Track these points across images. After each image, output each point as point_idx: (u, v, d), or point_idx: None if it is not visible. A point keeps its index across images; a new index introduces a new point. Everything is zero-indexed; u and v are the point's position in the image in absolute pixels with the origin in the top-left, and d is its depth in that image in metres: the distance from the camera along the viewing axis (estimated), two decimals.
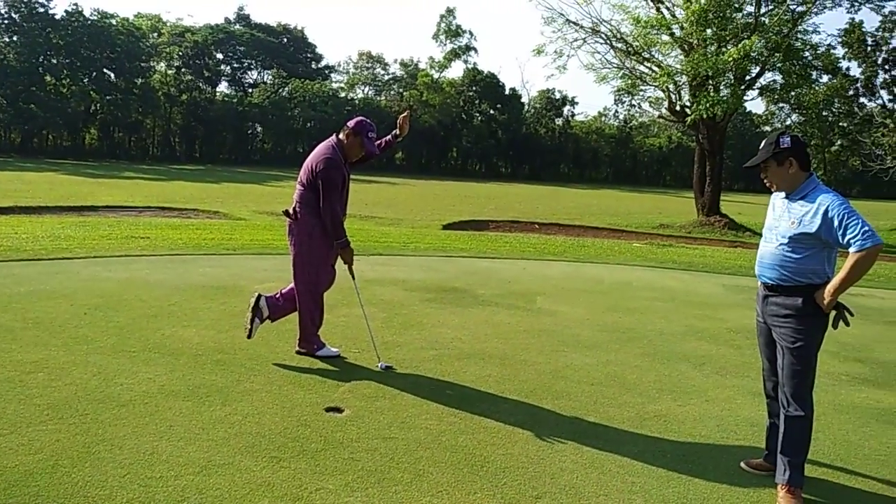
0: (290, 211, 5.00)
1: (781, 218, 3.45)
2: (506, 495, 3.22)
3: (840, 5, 22.41)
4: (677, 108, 23.15)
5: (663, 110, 25.63)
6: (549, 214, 24.11)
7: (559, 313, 7.14)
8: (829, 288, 3.28)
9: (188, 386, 4.30)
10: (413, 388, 4.56)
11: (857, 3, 22.60)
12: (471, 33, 64.68)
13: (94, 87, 51.30)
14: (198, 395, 4.16)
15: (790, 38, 21.57)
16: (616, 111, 69.41)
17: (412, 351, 5.40)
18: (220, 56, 61.18)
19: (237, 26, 63.51)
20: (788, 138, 3.39)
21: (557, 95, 67.26)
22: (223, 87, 63.18)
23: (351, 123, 5.03)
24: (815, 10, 21.78)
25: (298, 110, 56.58)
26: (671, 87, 22.65)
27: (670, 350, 5.97)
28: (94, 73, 51.50)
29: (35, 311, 5.76)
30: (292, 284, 5.11)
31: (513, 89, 66.34)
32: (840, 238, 3.21)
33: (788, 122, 55.18)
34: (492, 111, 65.04)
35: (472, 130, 63.35)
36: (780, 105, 50.21)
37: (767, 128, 61.71)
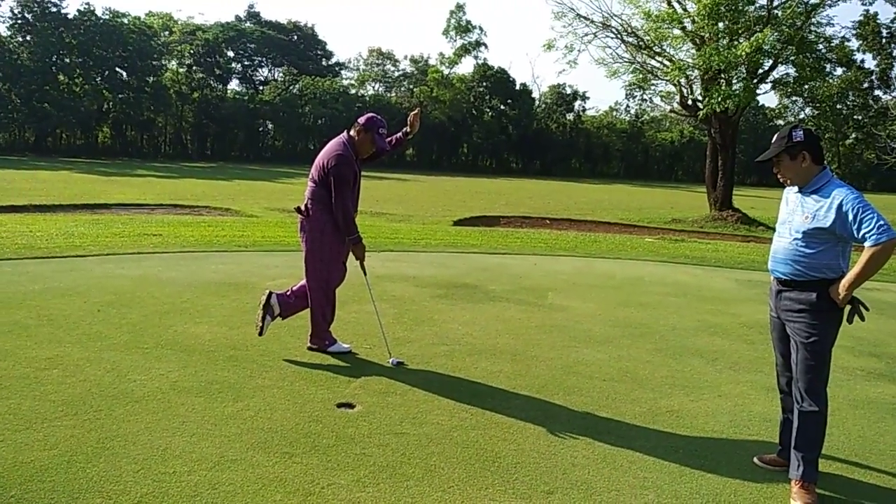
0: (302, 208, 5.01)
1: (795, 212, 3.42)
2: (518, 490, 3.22)
3: None
4: (689, 102, 22.99)
5: (675, 105, 25.48)
6: (560, 210, 24.04)
7: (571, 309, 7.12)
8: (844, 282, 3.25)
9: (201, 382, 4.32)
10: (424, 383, 4.57)
11: None
12: (481, 29, 64.41)
13: (106, 86, 51.61)
14: (210, 391, 4.19)
15: (803, 31, 21.36)
16: (627, 106, 69.07)
17: (423, 347, 5.41)
18: (230, 54, 61.35)
19: (248, 24, 63.66)
20: (801, 132, 3.36)
21: (568, 90, 67.02)
22: (234, 85, 63.45)
23: (362, 120, 5.04)
24: (829, 2, 21.51)
25: (309, 107, 56.68)
26: (683, 81, 22.48)
27: (682, 345, 5.94)
28: (107, 72, 51.79)
29: (49, 308, 5.81)
30: (303, 282, 5.13)
31: (523, 84, 66.17)
32: (855, 232, 3.18)
33: (802, 116, 54.61)
34: (502, 107, 64.87)
35: (482, 126, 63.21)
36: (794, 98, 49.62)
37: (780, 121, 61.14)
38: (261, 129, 60.91)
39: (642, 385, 4.83)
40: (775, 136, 3.46)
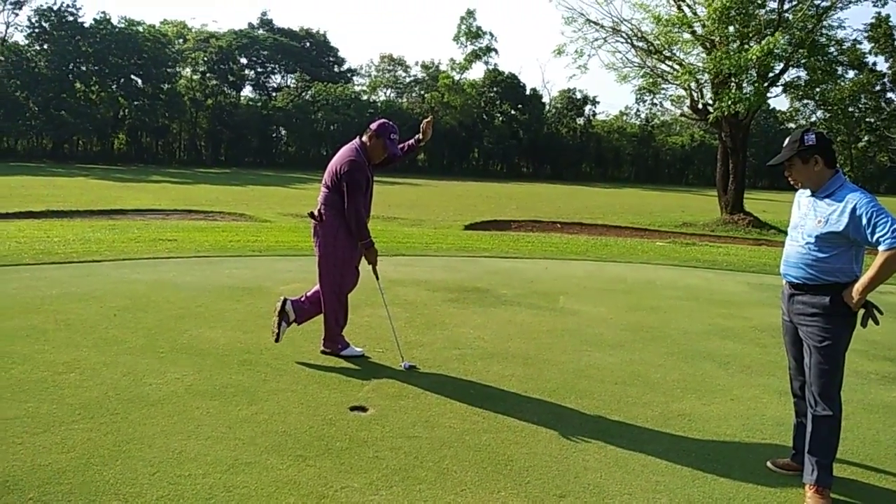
0: (316, 213, 5.05)
1: (807, 216, 3.41)
2: (530, 494, 3.23)
3: None
4: (699, 106, 22.92)
5: (685, 108, 25.41)
6: (571, 214, 24.00)
7: (582, 313, 7.12)
8: (858, 286, 3.24)
9: (215, 386, 4.36)
10: (437, 387, 4.58)
11: None
12: (491, 34, 64.21)
13: (122, 93, 52.11)
14: (225, 394, 4.23)
15: (815, 34, 21.25)
16: (638, 110, 68.91)
17: (435, 350, 5.43)
18: (244, 61, 61.76)
19: (261, 31, 64.07)
20: (813, 135, 3.35)
21: (578, 95, 66.92)
22: (247, 92, 63.83)
23: (373, 126, 5.08)
24: (841, 4, 21.41)
25: (322, 113, 56.91)
26: (693, 85, 22.44)
27: (694, 349, 5.93)
28: (122, 80, 52.29)
29: (67, 312, 5.88)
30: (317, 287, 5.17)
31: (534, 89, 66.14)
32: (869, 236, 3.17)
33: (813, 119, 54.21)
34: (513, 111, 64.86)
35: (493, 131, 63.23)
36: (805, 101, 49.33)
37: (792, 125, 60.77)
38: (274, 135, 61.21)
39: (654, 389, 4.82)
40: (787, 139, 3.46)
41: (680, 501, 3.26)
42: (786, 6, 21.32)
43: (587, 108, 68.13)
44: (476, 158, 67.02)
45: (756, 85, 21.01)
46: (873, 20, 39.60)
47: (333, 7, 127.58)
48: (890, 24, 46.31)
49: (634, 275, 9.93)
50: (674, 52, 22.52)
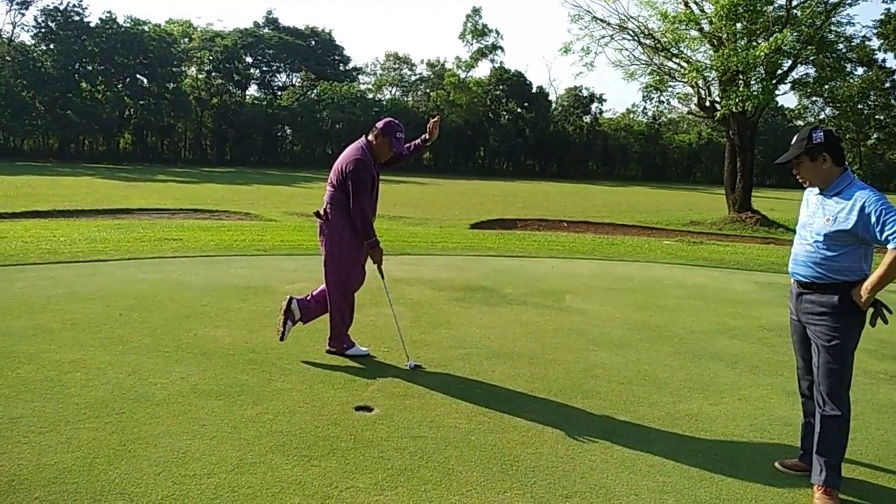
0: (321, 212, 5.05)
1: (816, 215, 3.39)
2: (535, 494, 3.21)
3: None
4: (707, 103, 22.82)
5: (693, 106, 25.34)
6: (577, 212, 23.94)
7: (588, 312, 7.09)
8: (867, 285, 3.21)
9: (220, 385, 4.36)
10: (442, 386, 4.57)
11: None
12: (497, 32, 64.16)
13: (127, 93, 52.26)
14: (230, 394, 4.23)
15: (823, 31, 21.10)
16: (645, 108, 68.81)
17: (441, 350, 5.42)
18: (249, 60, 61.86)
19: (266, 30, 64.16)
20: (821, 133, 3.32)
21: (585, 93, 66.77)
22: (253, 91, 63.92)
23: (379, 124, 5.07)
24: (849, 1, 21.25)
25: (327, 112, 56.97)
26: (700, 82, 22.33)
27: (701, 348, 5.90)
28: (128, 79, 52.44)
29: (72, 312, 5.89)
30: (323, 286, 5.16)
31: (540, 87, 66.09)
32: (878, 235, 3.14)
33: (822, 116, 54.01)
34: (519, 110, 64.78)
35: (499, 129, 63.16)
36: (814, 99, 49.17)
37: (800, 122, 60.55)
38: (279, 133, 61.30)
39: (661, 388, 4.80)
40: (795, 137, 3.43)
41: (687, 502, 3.23)
42: (794, 3, 21.18)
43: (594, 106, 68.05)
44: (482, 157, 66.99)
45: (764, 82, 20.89)
46: (883, 16, 39.25)
47: (339, 5, 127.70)
48: None
49: (641, 274, 9.90)
50: (681, 49, 22.41)
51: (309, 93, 61.02)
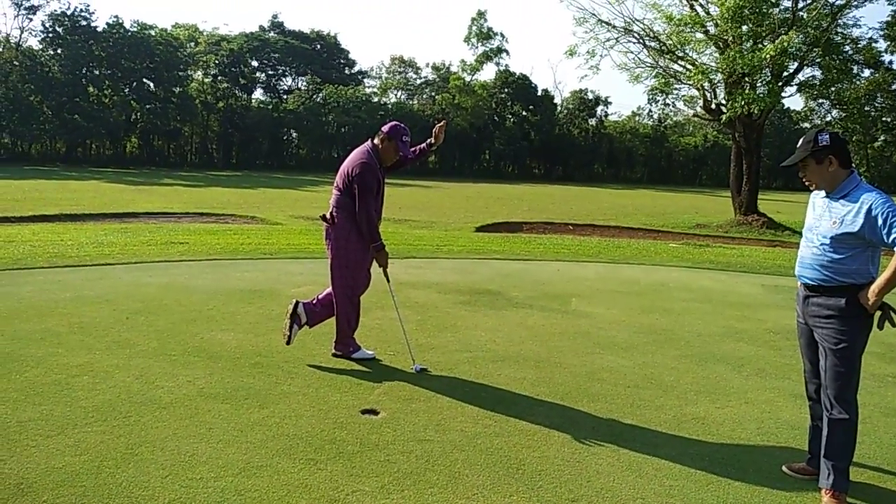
0: (328, 216, 5.06)
1: (822, 217, 3.38)
2: (542, 498, 3.21)
3: None
4: (713, 106, 22.77)
5: (698, 109, 25.25)
6: (583, 215, 23.91)
7: (594, 315, 7.08)
8: (874, 288, 3.20)
9: (227, 389, 4.37)
10: (448, 390, 4.57)
11: None
12: (502, 35, 64.17)
13: (134, 97, 52.50)
14: (236, 397, 4.24)
15: (829, 33, 21.05)
16: (650, 110, 68.63)
17: (447, 353, 5.42)
18: (255, 63, 62.05)
19: (272, 34, 64.36)
20: (827, 136, 3.31)
21: (590, 95, 66.68)
22: (258, 94, 64.08)
23: (385, 128, 5.09)
24: (856, 3, 21.17)
25: (332, 116, 57.08)
26: (706, 85, 22.28)
27: (708, 351, 5.88)
28: (135, 83, 52.70)
29: (80, 315, 5.92)
30: (329, 290, 5.17)
31: (545, 90, 65.99)
32: (885, 237, 3.13)
33: (828, 119, 53.77)
34: (524, 113, 64.76)
35: (504, 132, 63.15)
36: (820, 101, 48.99)
37: (806, 124, 60.33)
38: (285, 137, 61.45)
39: (667, 392, 4.79)
40: (801, 140, 3.42)
41: None
42: (800, 5, 21.12)
43: (599, 109, 67.90)
44: (487, 160, 66.97)
45: (770, 84, 20.84)
46: (889, 18, 39.11)
47: (344, 9, 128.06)
48: None
49: (647, 277, 9.88)
50: (686, 51, 22.38)
51: (314, 96, 61.16)
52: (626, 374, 5.12)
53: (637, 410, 4.40)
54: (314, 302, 5.20)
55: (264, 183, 35.95)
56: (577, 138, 66.31)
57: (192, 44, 59.23)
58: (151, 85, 53.37)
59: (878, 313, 3.30)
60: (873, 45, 26.34)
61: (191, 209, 19.73)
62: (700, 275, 10.43)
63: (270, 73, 64.28)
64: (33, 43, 52.35)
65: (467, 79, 62.77)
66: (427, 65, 72.37)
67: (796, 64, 21.77)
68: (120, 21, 51.89)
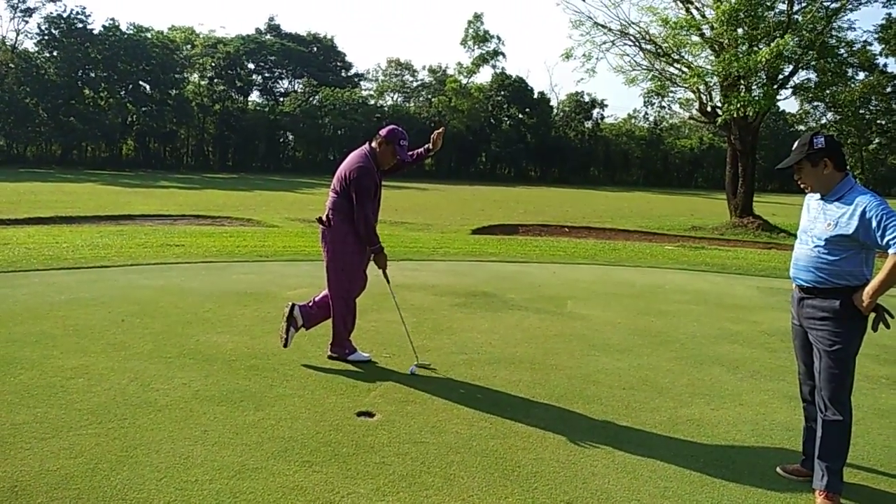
0: (324, 218, 5.06)
1: (817, 220, 3.39)
2: (537, 500, 3.21)
3: (876, 0, 21.87)
4: (708, 108, 22.83)
5: (694, 111, 25.31)
6: (579, 218, 23.94)
7: (590, 317, 7.09)
8: (868, 290, 3.21)
9: (222, 391, 4.37)
10: (444, 392, 4.57)
11: None
12: (498, 38, 64.55)
13: (130, 100, 52.47)
14: (232, 399, 4.23)
15: (824, 36, 21.13)
16: (646, 113, 68.97)
17: (442, 356, 5.42)
18: (251, 66, 62.08)
19: (268, 36, 64.41)
20: (822, 138, 3.33)
21: (586, 98, 66.95)
22: (255, 97, 64.14)
23: (383, 132, 5.09)
24: (850, 6, 21.26)
25: (329, 118, 57.10)
26: (702, 87, 22.33)
27: (703, 353, 5.89)
28: (131, 86, 52.67)
29: (75, 318, 5.91)
30: (325, 292, 5.17)
31: (541, 93, 66.25)
32: (879, 240, 3.14)
33: (823, 121, 54.00)
34: (520, 115, 64.92)
35: (500, 135, 63.27)
36: (815, 104, 49.20)
37: (802, 127, 60.53)
38: (281, 140, 61.47)
39: (662, 394, 4.80)
40: (796, 142, 3.44)
41: None
42: (795, 8, 21.20)
43: (595, 112, 68.17)
44: (483, 162, 67.08)
45: (765, 87, 20.90)
46: (884, 21, 39.25)
47: (341, 12, 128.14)
48: None
49: (643, 279, 9.90)
50: (682, 54, 22.42)
51: (311, 99, 61.17)
52: (622, 376, 5.13)
53: (632, 412, 4.41)
54: (310, 304, 5.20)
55: (260, 185, 35.92)
56: (574, 141, 66.46)
57: (189, 46, 59.22)
58: (147, 87, 53.34)
59: (873, 315, 3.31)
60: (868, 47, 26.48)
61: (187, 211, 19.69)
62: (695, 277, 10.46)
63: (267, 75, 64.30)
64: (29, 45, 52.22)
65: (464, 81, 62.89)
66: (423, 67, 72.59)
67: (791, 67, 21.86)
68: (116, 24, 51.95)
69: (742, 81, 20.87)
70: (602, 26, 22.65)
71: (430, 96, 66.01)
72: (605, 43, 22.84)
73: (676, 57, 22.45)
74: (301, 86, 64.91)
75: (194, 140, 58.95)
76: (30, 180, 30.24)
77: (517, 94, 64.04)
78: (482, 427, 4.03)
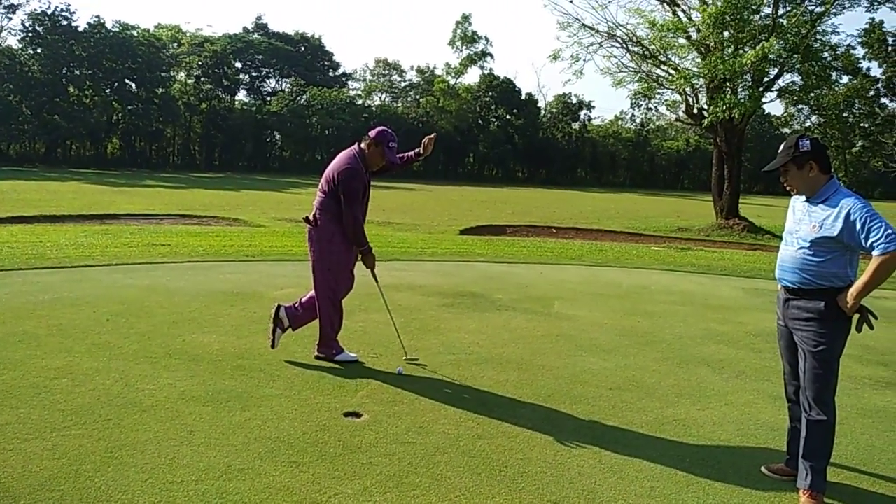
0: (311, 218, 5.04)
1: (802, 222, 3.42)
2: (524, 500, 3.22)
3: (859, 5, 22.08)
4: (695, 110, 22.98)
5: (680, 113, 25.50)
6: (566, 219, 24.02)
7: (577, 317, 7.11)
8: (853, 291, 3.25)
9: (208, 391, 4.34)
10: (431, 392, 4.57)
11: (876, 3, 22.20)
12: (487, 39, 64.48)
13: (115, 98, 51.97)
14: (218, 400, 4.21)
15: (809, 39, 21.33)
16: (633, 115, 69.24)
17: (430, 356, 5.41)
18: (238, 65, 61.74)
19: (255, 35, 64.09)
20: (808, 141, 3.36)
21: (574, 100, 67.16)
22: (242, 96, 63.78)
23: (372, 133, 5.07)
24: (834, 10, 21.48)
25: (316, 118, 56.91)
26: (688, 89, 22.47)
27: (689, 354, 5.93)
28: (116, 84, 52.17)
29: (59, 318, 5.85)
30: (311, 293, 5.16)
31: (529, 94, 66.37)
32: (863, 241, 3.18)
33: (808, 124, 54.53)
34: (508, 116, 65.03)
35: (488, 136, 63.34)
36: (800, 107, 49.64)
37: (787, 129, 61.09)
38: (268, 139, 61.17)
39: (649, 394, 4.82)
40: (782, 145, 3.46)
41: None
42: (780, 11, 21.41)
43: (582, 113, 68.42)
44: (471, 163, 67.12)
45: (751, 90, 21.08)
46: (867, 26, 39.80)
47: (328, 11, 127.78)
48: (883, 29, 46.62)
49: (629, 280, 9.94)
50: (669, 56, 22.56)
51: (298, 98, 60.95)
52: (608, 377, 5.15)
53: (618, 412, 4.43)
54: (296, 305, 5.18)
55: (247, 185, 35.74)
56: (561, 142, 66.66)
57: (175, 45, 58.81)
58: (133, 86, 52.86)
59: (857, 316, 3.34)
60: (851, 51, 26.76)
61: (173, 211, 19.56)
62: (681, 278, 10.52)
63: (254, 74, 63.99)
64: (12, 42, 51.59)
65: (452, 82, 62.91)
66: (411, 68, 72.64)
67: (776, 70, 22.04)
68: (101, 21, 51.40)
69: (728, 84, 21.03)
70: (590, 28, 22.76)
71: (417, 97, 65.97)
72: (592, 45, 22.96)
73: (663, 59, 22.59)
74: (288, 85, 64.67)
75: (180, 139, 58.55)
76: (12, 178, 29.88)
77: (505, 95, 64.15)
78: (469, 427, 4.03)
